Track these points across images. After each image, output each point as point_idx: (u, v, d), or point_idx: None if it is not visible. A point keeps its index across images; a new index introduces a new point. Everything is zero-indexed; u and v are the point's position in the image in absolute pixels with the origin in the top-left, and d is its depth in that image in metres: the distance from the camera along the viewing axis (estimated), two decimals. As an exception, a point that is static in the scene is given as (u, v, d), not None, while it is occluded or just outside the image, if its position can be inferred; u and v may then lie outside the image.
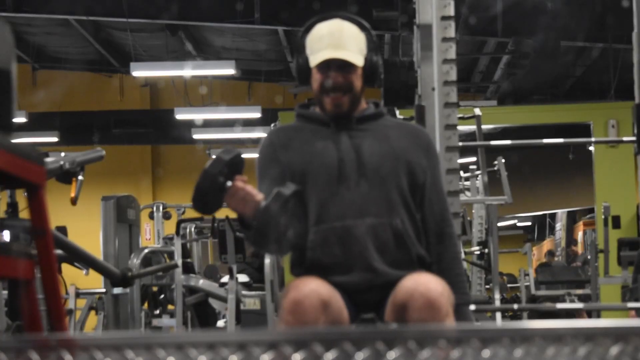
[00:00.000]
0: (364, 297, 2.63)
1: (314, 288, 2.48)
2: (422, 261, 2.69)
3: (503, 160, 7.68)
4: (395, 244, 2.64)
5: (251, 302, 7.94)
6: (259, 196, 2.48)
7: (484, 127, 7.41)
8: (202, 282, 8.19)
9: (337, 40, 2.68)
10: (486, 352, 1.29)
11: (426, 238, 2.73)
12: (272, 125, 11.86)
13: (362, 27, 2.75)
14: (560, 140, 6.86)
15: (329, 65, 2.67)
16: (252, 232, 2.53)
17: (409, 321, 2.46)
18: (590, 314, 8.82)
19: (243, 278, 8.31)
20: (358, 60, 2.68)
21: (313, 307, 2.44)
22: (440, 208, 2.75)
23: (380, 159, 2.68)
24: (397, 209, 2.66)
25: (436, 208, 2.74)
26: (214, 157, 2.56)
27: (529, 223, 21.71)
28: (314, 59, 2.69)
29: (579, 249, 16.67)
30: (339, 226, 2.63)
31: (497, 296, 7.18)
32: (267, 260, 7.60)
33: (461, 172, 8.99)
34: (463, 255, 8.37)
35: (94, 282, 7.27)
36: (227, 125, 14.68)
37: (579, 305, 8.12)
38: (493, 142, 6.40)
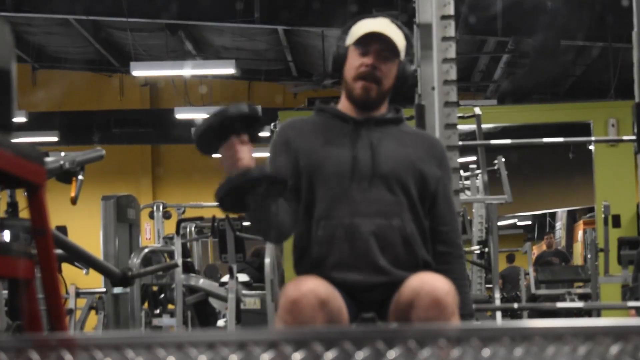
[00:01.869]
0: (366, 296, 2.64)
1: (311, 287, 2.48)
2: (428, 266, 2.70)
3: (503, 160, 7.69)
4: (401, 246, 2.65)
5: (251, 302, 7.94)
6: (247, 161, 2.52)
7: (484, 126, 7.42)
8: (202, 282, 8.19)
9: (385, 29, 2.71)
10: (486, 351, 1.29)
11: (432, 248, 2.74)
12: (272, 125, 11.86)
13: (405, 34, 2.78)
14: (560, 139, 6.86)
15: (369, 45, 2.69)
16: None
17: (415, 320, 2.45)
18: (590, 313, 8.82)
19: (243, 277, 8.31)
20: (400, 42, 2.71)
21: (311, 306, 2.44)
22: (449, 221, 2.76)
23: (394, 162, 2.69)
24: (405, 213, 2.67)
25: (447, 220, 2.76)
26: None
27: (529, 222, 21.70)
28: (357, 34, 2.71)
29: (579, 248, 16.65)
30: (347, 223, 2.64)
31: (497, 295, 7.18)
32: (267, 260, 7.60)
33: (461, 171, 8.99)
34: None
35: (94, 282, 7.28)
36: (227, 124, 14.65)
37: (579, 304, 8.12)
38: (493, 141, 6.40)
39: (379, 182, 2.67)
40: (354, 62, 2.71)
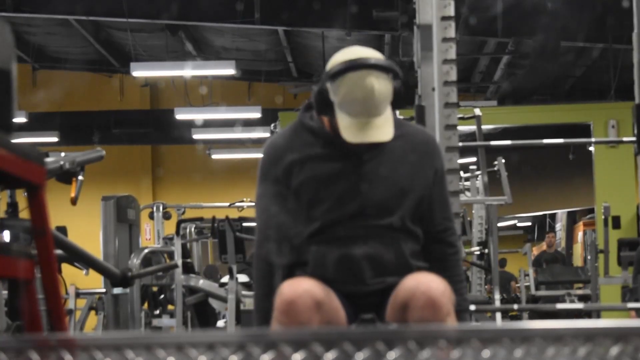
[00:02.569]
0: (363, 300, 2.64)
1: (307, 288, 2.48)
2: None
3: (503, 161, 7.68)
4: (395, 265, 2.63)
5: (251, 302, 7.94)
6: None
7: (484, 127, 7.42)
8: (202, 282, 8.19)
9: (370, 107, 2.55)
10: (486, 352, 1.29)
11: (428, 248, 2.72)
12: (272, 125, 11.86)
13: (389, 71, 2.59)
14: (561, 140, 6.87)
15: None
16: None
17: (410, 320, 2.46)
18: (590, 314, 8.82)
19: (243, 278, 8.31)
20: (388, 135, 2.59)
21: (306, 307, 2.44)
22: (444, 221, 2.73)
23: (387, 190, 2.64)
24: (400, 234, 2.65)
25: (442, 220, 2.73)
26: None
27: (529, 223, 21.68)
28: (347, 131, 2.56)
29: (579, 249, 16.65)
30: (340, 246, 2.62)
31: (497, 296, 7.18)
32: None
33: (461, 172, 8.98)
34: (463, 255, 8.36)
35: (94, 282, 7.28)
36: (227, 125, 14.69)
37: (579, 305, 8.12)
38: (493, 143, 6.40)
39: (372, 209, 2.63)
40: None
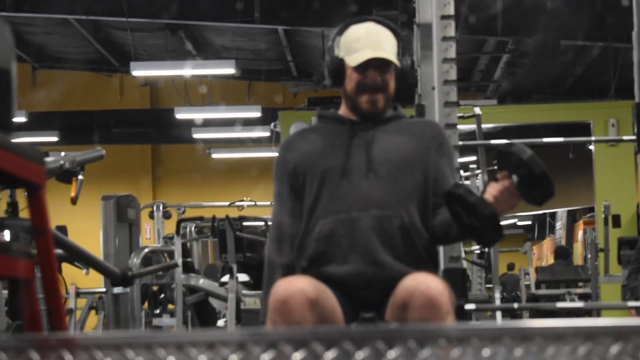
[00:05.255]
0: (364, 294, 2.64)
1: (300, 287, 2.49)
2: (433, 257, 2.71)
3: (503, 160, 7.67)
4: (400, 238, 2.65)
5: (251, 302, 7.94)
6: None
7: (484, 126, 7.42)
8: (202, 282, 8.20)
9: (375, 40, 2.72)
10: (486, 351, 1.29)
11: (441, 220, 2.71)
12: (272, 124, 11.86)
13: (393, 32, 2.79)
14: (560, 139, 6.84)
15: (367, 65, 2.70)
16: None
17: (410, 320, 2.46)
18: (590, 313, 8.81)
19: (243, 277, 8.31)
20: (393, 57, 2.72)
21: (299, 305, 2.45)
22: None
23: (388, 155, 2.70)
24: (404, 202, 2.67)
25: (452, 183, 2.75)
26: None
27: (529, 222, 21.70)
28: (353, 59, 2.71)
29: (579, 248, 16.64)
30: (345, 219, 2.65)
31: (497, 295, 7.18)
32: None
33: (461, 172, 8.98)
34: (463, 255, 8.37)
35: (94, 282, 7.28)
36: (227, 124, 14.69)
37: (579, 304, 8.11)
38: (493, 141, 6.39)
39: (374, 175, 2.68)
40: (353, 80, 2.73)
